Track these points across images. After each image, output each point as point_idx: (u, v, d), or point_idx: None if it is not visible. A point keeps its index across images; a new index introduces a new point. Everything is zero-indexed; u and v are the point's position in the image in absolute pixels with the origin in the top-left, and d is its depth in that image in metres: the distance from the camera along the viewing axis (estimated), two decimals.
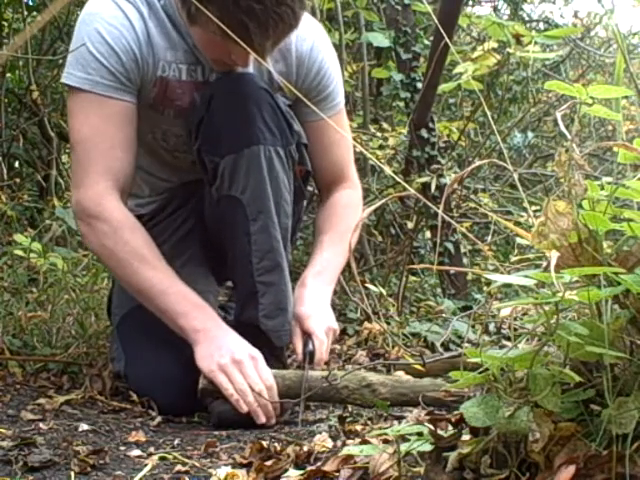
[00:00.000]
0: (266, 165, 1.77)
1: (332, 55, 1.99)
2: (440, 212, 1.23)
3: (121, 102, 1.79)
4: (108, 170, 1.79)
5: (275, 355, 1.79)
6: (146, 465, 1.34)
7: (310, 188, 3.01)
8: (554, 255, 0.92)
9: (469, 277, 3.03)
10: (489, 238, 3.44)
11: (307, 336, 1.81)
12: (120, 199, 1.81)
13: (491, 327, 2.47)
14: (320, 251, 1.95)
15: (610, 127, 5.13)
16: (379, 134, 3.57)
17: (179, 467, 1.34)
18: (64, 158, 4.69)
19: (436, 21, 2.32)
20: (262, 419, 1.66)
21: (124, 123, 1.80)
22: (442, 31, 2.22)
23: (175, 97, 1.86)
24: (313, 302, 1.86)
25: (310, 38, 1.92)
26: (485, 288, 3.08)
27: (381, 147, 3.45)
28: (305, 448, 1.31)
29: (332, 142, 1.97)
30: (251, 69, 1.87)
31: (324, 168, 2.02)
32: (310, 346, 1.78)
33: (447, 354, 1.86)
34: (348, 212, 2.02)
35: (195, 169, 1.89)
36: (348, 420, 1.63)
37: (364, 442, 1.18)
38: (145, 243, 1.78)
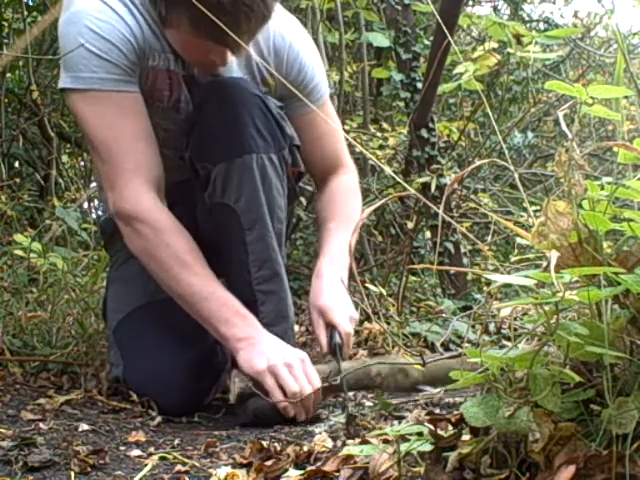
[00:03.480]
0: (259, 174, 1.76)
1: (311, 48, 1.99)
2: (440, 212, 1.23)
3: (131, 94, 1.77)
4: (138, 165, 1.76)
5: None
6: (146, 465, 1.34)
7: (310, 188, 3.01)
8: (554, 255, 0.92)
9: (469, 277, 3.03)
10: (489, 238, 3.44)
11: (332, 328, 1.81)
12: (157, 197, 1.78)
13: (491, 327, 2.47)
14: (329, 239, 1.95)
15: (610, 127, 5.13)
16: (379, 134, 3.57)
17: (179, 467, 1.34)
18: (64, 158, 4.69)
19: (439, 20, 2.32)
20: (303, 417, 1.66)
21: (139, 115, 1.78)
22: (445, 30, 2.22)
23: (163, 87, 1.84)
24: (332, 292, 1.85)
25: (287, 35, 1.92)
26: (485, 288, 3.07)
27: (381, 147, 3.46)
28: (305, 448, 1.31)
29: (323, 133, 1.97)
30: (234, 67, 1.87)
31: (318, 159, 2.02)
32: (337, 338, 1.79)
33: (447, 354, 1.86)
34: (349, 197, 2.04)
35: (181, 170, 1.88)
36: (359, 419, 1.63)
37: (364, 442, 1.18)
38: (187, 246, 1.76)
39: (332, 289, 1.85)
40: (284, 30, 1.91)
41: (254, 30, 1.68)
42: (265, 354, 1.67)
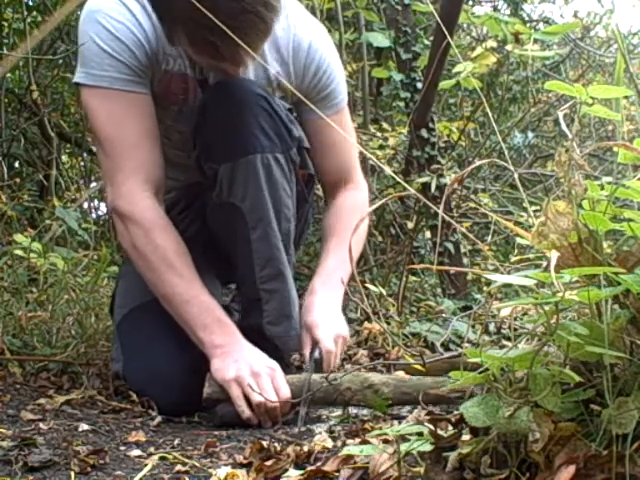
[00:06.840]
0: (264, 173, 1.77)
1: (332, 53, 1.96)
2: (440, 212, 1.23)
3: (140, 95, 1.80)
4: (139, 164, 1.78)
5: (278, 357, 1.79)
6: (146, 465, 1.34)
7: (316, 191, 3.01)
8: (554, 255, 0.92)
9: (469, 277, 3.03)
10: (489, 238, 3.44)
11: (315, 344, 1.80)
12: (154, 197, 1.80)
13: (491, 327, 2.47)
14: (327, 257, 1.94)
15: (610, 127, 5.13)
16: (379, 134, 3.57)
17: (179, 467, 1.34)
18: (64, 158, 4.69)
19: (439, 20, 2.32)
20: (268, 425, 1.68)
21: (146, 115, 1.81)
22: (445, 30, 2.22)
23: (179, 91, 1.87)
24: (322, 310, 1.85)
25: (307, 37, 1.90)
26: (485, 288, 3.08)
27: (381, 147, 3.46)
28: (305, 448, 1.31)
29: (334, 141, 1.95)
30: (250, 70, 1.87)
31: (327, 167, 2.00)
32: (316, 354, 1.78)
33: (447, 354, 1.86)
34: (353, 215, 1.99)
35: (194, 171, 1.89)
36: (361, 419, 1.63)
37: (364, 442, 1.18)
38: (175, 249, 1.78)
39: (322, 307, 1.85)
40: (304, 32, 1.90)
41: (254, 46, 1.63)
42: (236, 364, 1.69)
